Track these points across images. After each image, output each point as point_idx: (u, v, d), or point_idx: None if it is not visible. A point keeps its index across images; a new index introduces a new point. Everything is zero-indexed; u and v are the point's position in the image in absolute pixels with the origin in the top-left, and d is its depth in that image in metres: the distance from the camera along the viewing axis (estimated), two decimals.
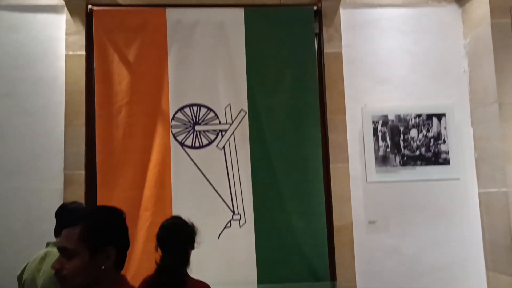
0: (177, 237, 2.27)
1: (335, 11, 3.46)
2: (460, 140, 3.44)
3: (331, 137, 3.36)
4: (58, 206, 3.10)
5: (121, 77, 3.25)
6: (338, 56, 3.44)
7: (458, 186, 3.41)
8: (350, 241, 3.27)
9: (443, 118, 3.45)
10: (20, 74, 3.26)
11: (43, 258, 2.02)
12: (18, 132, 3.21)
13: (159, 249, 2.23)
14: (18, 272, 2.99)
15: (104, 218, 1.52)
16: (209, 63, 3.33)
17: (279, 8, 3.45)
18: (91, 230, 1.44)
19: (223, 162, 3.28)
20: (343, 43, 3.45)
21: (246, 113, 3.32)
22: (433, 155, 3.42)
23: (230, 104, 3.33)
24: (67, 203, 2.26)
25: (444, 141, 3.43)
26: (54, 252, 2.00)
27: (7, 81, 3.25)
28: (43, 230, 3.12)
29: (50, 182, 3.18)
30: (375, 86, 3.45)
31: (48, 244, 2.08)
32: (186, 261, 2.23)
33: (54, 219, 3.12)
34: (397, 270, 3.29)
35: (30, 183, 3.17)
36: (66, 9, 3.31)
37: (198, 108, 3.31)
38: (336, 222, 3.29)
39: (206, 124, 3.31)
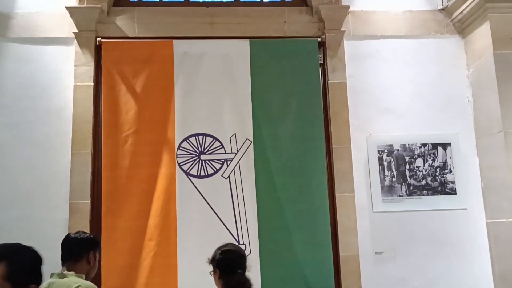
0: (244, 260, 2.26)
1: (339, 43, 3.52)
2: (466, 170, 3.43)
3: (336, 166, 3.36)
4: (62, 235, 3.12)
5: (128, 107, 3.30)
6: (342, 86, 3.48)
7: (465, 216, 3.38)
8: (356, 272, 3.22)
9: (448, 148, 3.45)
10: (29, 104, 3.32)
11: None
12: (26, 161, 3.24)
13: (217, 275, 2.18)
14: None
15: (27, 259, 1.62)
16: (215, 94, 3.37)
17: (284, 39, 3.52)
18: (15, 270, 1.48)
19: (228, 191, 3.28)
20: (347, 74, 3.50)
21: (251, 142, 3.34)
22: (440, 184, 3.40)
23: (235, 134, 3.35)
24: (72, 233, 2.27)
25: (450, 171, 3.42)
26: (58, 283, 1.99)
27: (16, 111, 3.30)
28: (47, 259, 3.02)
29: (55, 211, 3.18)
30: (379, 115, 3.46)
31: (52, 275, 2.07)
32: None
33: (59, 249, 3.13)
34: None
35: (35, 212, 3.18)
36: (75, 41, 3.40)
37: (204, 137, 3.34)
38: (342, 253, 3.25)
39: (211, 153, 3.33)
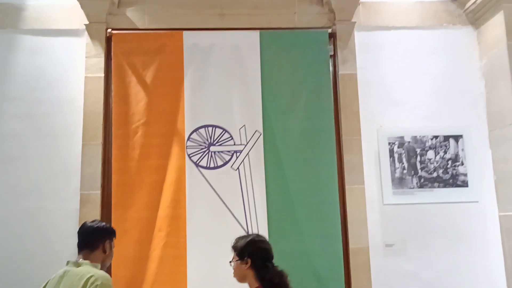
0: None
1: (350, 34, 3.49)
2: (478, 162, 3.39)
3: (346, 158, 3.34)
4: (74, 226, 3.17)
5: (138, 99, 3.30)
6: (353, 77, 3.45)
7: (477, 209, 3.34)
8: (366, 265, 3.21)
9: (460, 140, 3.41)
10: (40, 95, 3.34)
11: (61, 277, 2.01)
12: (37, 152, 3.27)
13: (249, 265, 2.15)
14: None
15: None
16: (225, 85, 3.36)
17: (294, 30, 3.50)
18: None
19: (237, 183, 3.27)
20: (357, 65, 3.47)
21: (261, 134, 3.33)
22: (451, 177, 3.37)
23: (245, 125, 3.34)
24: (88, 222, 2.29)
25: (462, 163, 3.38)
26: (73, 272, 2.00)
27: (27, 102, 3.33)
28: (58, 250, 3.13)
29: (66, 202, 3.20)
30: (390, 107, 3.44)
31: (68, 263, 2.09)
32: None
33: (70, 239, 3.16)
34: None
35: (46, 203, 3.20)
36: (86, 33, 3.41)
37: (213, 129, 3.34)
38: (352, 245, 3.23)
39: (221, 145, 3.32)
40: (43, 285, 2.11)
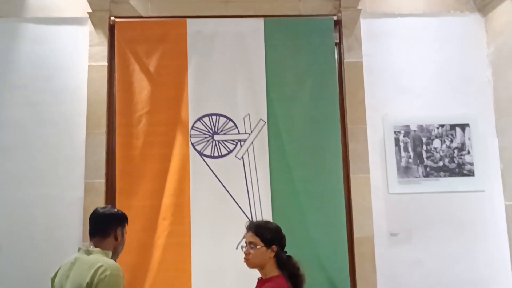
0: None
1: (355, 21, 3.45)
2: (485, 151, 3.35)
3: (351, 147, 3.32)
4: (78, 214, 3.18)
5: (142, 87, 3.29)
6: (358, 65, 3.41)
7: (483, 199, 3.31)
8: (371, 254, 3.20)
9: (467, 129, 3.37)
10: (44, 84, 3.34)
11: (72, 264, 2.00)
12: (41, 140, 3.27)
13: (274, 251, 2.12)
14: (41, 276, 3.00)
15: None
16: (229, 73, 3.34)
17: (299, 18, 3.45)
18: None
19: (242, 172, 3.26)
20: (363, 53, 3.43)
21: (265, 123, 3.31)
22: (457, 166, 3.34)
23: (249, 114, 3.32)
24: (100, 208, 2.24)
25: (468, 152, 3.35)
26: (83, 260, 1.98)
27: (31, 91, 3.33)
28: (63, 237, 3.15)
29: (70, 190, 3.21)
30: (396, 95, 3.40)
31: (79, 249, 2.07)
32: None
33: (74, 227, 3.20)
34: (420, 284, 3.19)
35: (51, 191, 3.21)
36: (89, 21, 3.39)
37: (217, 117, 3.32)
38: (356, 234, 3.22)
39: (225, 133, 3.31)
40: (56, 269, 2.12)
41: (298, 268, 2.10)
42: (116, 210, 2.24)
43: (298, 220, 3.18)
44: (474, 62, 3.47)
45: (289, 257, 2.17)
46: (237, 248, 3.13)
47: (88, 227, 3.03)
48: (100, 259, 1.96)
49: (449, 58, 3.47)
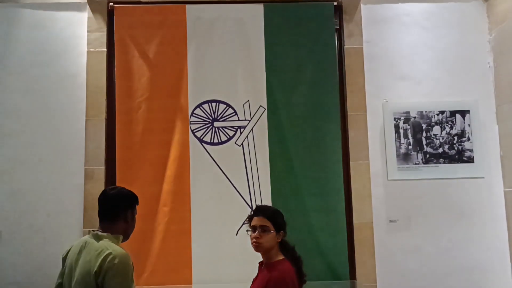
0: None
1: (356, 7, 3.42)
2: (485, 138, 3.35)
3: (351, 134, 3.32)
4: (79, 200, 3.19)
5: (141, 73, 3.28)
6: (359, 51, 3.39)
7: (482, 185, 3.32)
8: (370, 240, 3.21)
9: (467, 115, 3.36)
10: (42, 70, 3.32)
11: (82, 247, 1.96)
12: (40, 127, 3.26)
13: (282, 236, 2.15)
14: (42, 263, 3.08)
15: None
16: (228, 60, 3.32)
17: (299, 3, 3.42)
18: None
19: (241, 158, 3.27)
20: (363, 39, 3.40)
21: (265, 109, 3.30)
22: (457, 153, 3.34)
23: (249, 101, 3.31)
24: (109, 189, 2.17)
25: (468, 139, 3.35)
26: (92, 246, 1.93)
27: (29, 77, 3.31)
28: (64, 224, 3.17)
29: (71, 177, 3.21)
30: (396, 82, 3.39)
31: (89, 232, 2.02)
32: None
33: (75, 213, 3.21)
34: (419, 270, 3.21)
35: (51, 178, 3.22)
36: (88, 7, 3.36)
37: (217, 104, 3.31)
38: (356, 220, 3.24)
39: (224, 120, 3.30)
40: (67, 249, 2.09)
41: (296, 251, 2.13)
42: (125, 191, 2.14)
43: (297, 206, 3.20)
44: (475, 48, 3.44)
45: (287, 241, 2.19)
46: (237, 234, 3.15)
47: (88, 213, 3.12)
48: (109, 246, 1.91)
49: (450, 44, 3.45)
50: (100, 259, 1.85)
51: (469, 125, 3.35)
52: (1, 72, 3.32)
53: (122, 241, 2.04)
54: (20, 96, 3.29)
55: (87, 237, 2.01)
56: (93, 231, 2.01)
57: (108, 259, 1.84)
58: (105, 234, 1.98)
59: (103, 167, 3.22)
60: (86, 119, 3.26)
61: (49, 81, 3.31)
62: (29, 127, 3.26)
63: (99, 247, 1.90)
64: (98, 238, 1.96)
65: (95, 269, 1.82)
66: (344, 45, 3.40)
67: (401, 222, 3.27)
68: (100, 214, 2.07)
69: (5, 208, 3.18)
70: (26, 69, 3.32)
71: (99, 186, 3.18)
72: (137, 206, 2.18)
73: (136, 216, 2.15)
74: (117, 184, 3.14)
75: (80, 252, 1.95)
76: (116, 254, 1.87)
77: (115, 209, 2.04)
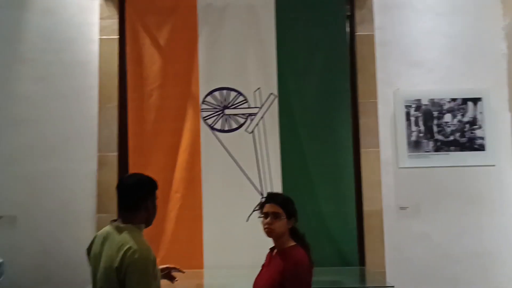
0: None
1: None
2: (496, 126, 3.33)
3: (362, 121, 3.32)
4: (92, 186, 3.24)
5: (153, 61, 3.29)
6: (370, 38, 3.37)
7: (493, 173, 3.31)
8: (379, 227, 3.24)
9: (479, 103, 3.34)
10: (55, 57, 3.34)
11: (105, 239, 1.91)
12: (53, 114, 3.30)
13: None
14: (56, 247, 3.13)
15: None
16: (239, 47, 3.32)
17: None
18: None
19: (252, 146, 3.29)
20: (375, 25, 3.38)
21: (276, 97, 3.31)
22: (468, 140, 3.32)
23: (259, 88, 3.32)
24: (126, 177, 2.09)
25: (480, 127, 3.33)
26: (114, 238, 1.87)
27: (42, 64, 3.33)
28: (77, 209, 3.22)
29: (84, 164, 3.26)
30: (408, 69, 3.36)
31: (111, 222, 1.95)
32: None
33: (89, 199, 3.25)
34: (428, 257, 3.23)
35: (65, 165, 3.26)
36: None
37: (228, 91, 3.32)
38: (365, 207, 3.26)
39: (235, 108, 3.32)
40: (91, 239, 2.02)
41: (305, 239, 2.15)
42: (144, 178, 2.00)
43: (308, 193, 3.22)
44: (489, 35, 3.40)
45: (297, 228, 2.20)
46: (247, 220, 3.19)
47: (101, 199, 3.17)
48: (129, 240, 1.83)
49: (463, 30, 3.41)
50: (120, 254, 1.80)
51: (481, 112, 3.33)
52: (12, 58, 3.35)
53: (145, 228, 1.98)
54: (33, 83, 3.32)
55: (108, 227, 1.95)
56: (114, 221, 1.95)
57: (128, 254, 1.79)
58: (126, 225, 1.90)
59: (116, 154, 3.26)
60: (98, 106, 3.29)
61: (61, 68, 3.33)
62: (42, 114, 3.30)
63: (120, 240, 1.85)
64: (119, 230, 1.89)
65: (116, 265, 1.79)
66: (355, 32, 3.38)
67: (411, 209, 3.28)
68: (119, 204, 1.97)
69: (19, 194, 3.24)
70: (38, 56, 3.34)
71: (112, 172, 3.23)
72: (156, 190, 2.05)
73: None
74: (130, 170, 3.18)
75: (102, 244, 1.90)
76: (137, 249, 1.80)
77: (135, 200, 1.92)
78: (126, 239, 1.84)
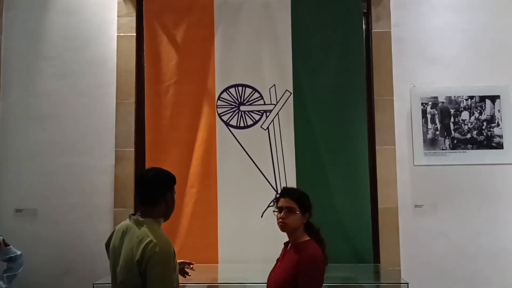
0: None
1: None
2: None
3: (377, 118, 3.31)
4: (109, 181, 3.30)
5: (169, 58, 3.34)
6: (387, 35, 3.36)
7: (511, 171, 3.26)
8: (395, 224, 3.23)
9: (497, 100, 3.30)
10: (74, 55, 3.42)
11: (124, 233, 1.93)
12: (72, 111, 3.38)
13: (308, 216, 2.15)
14: (75, 240, 3.19)
15: None
16: (255, 44, 3.34)
17: None
18: None
19: (267, 142, 3.31)
20: (391, 22, 3.37)
21: (291, 93, 3.32)
22: (485, 138, 3.29)
23: (275, 85, 3.34)
24: (146, 171, 2.08)
25: (498, 124, 3.29)
26: (134, 232, 1.89)
27: (62, 62, 3.42)
28: (96, 203, 3.29)
29: (102, 159, 3.33)
30: (424, 66, 3.34)
31: (130, 217, 1.97)
32: None
33: (106, 193, 3.32)
34: (443, 255, 3.21)
35: (84, 160, 3.34)
36: None
37: (243, 88, 3.34)
38: (381, 205, 3.25)
39: (251, 104, 3.34)
40: (110, 234, 2.06)
41: (320, 234, 2.15)
42: (163, 172, 2.03)
43: (322, 189, 3.22)
44: (507, 32, 3.35)
45: (312, 223, 2.21)
46: (262, 216, 3.21)
47: (119, 194, 3.23)
48: (150, 233, 1.85)
49: (481, 27, 3.37)
50: (141, 247, 1.81)
51: (499, 110, 3.29)
52: (34, 56, 3.44)
53: (163, 222, 2.00)
54: (53, 80, 3.40)
55: (127, 221, 1.98)
56: (133, 215, 1.97)
57: (149, 248, 1.80)
58: (145, 219, 1.91)
59: (133, 149, 3.32)
60: (116, 102, 3.35)
61: (81, 65, 3.41)
62: (62, 110, 3.38)
63: (140, 234, 1.86)
64: (139, 224, 1.90)
65: (137, 258, 1.80)
66: (371, 29, 3.38)
67: (427, 207, 3.26)
68: (138, 198, 2.00)
69: (40, 188, 3.32)
70: (59, 54, 3.42)
71: (129, 167, 3.29)
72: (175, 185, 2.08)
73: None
74: (147, 166, 3.22)
75: (122, 238, 1.93)
76: (157, 242, 1.82)
77: (154, 194, 1.95)
78: (146, 233, 1.85)
